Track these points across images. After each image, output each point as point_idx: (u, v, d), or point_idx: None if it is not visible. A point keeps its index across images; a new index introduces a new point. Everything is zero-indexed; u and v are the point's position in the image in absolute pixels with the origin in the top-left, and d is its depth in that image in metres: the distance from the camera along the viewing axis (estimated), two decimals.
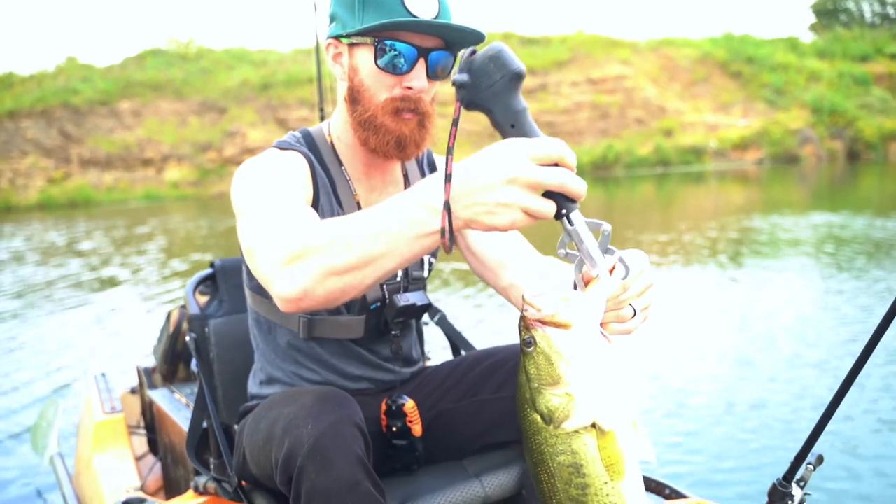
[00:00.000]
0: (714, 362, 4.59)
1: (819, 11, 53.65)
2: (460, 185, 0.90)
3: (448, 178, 0.90)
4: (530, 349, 0.87)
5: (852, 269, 7.55)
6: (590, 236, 0.90)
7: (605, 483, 0.86)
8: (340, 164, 1.43)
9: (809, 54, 38.76)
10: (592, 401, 0.86)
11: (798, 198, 17.81)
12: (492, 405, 1.50)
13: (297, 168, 1.36)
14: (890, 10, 52.27)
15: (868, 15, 52.96)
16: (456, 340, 1.92)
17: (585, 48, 38.20)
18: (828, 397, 1.19)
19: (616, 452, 0.85)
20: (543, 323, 0.87)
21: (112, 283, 9.48)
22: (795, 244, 9.56)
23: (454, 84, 0.93)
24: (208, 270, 1.85)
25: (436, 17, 1.27)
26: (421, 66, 1.29)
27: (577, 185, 0.87)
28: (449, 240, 0.91)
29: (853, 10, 53.29)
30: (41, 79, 36.39)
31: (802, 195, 18.62)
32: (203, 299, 1.84)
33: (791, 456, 1.24)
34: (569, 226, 0.89)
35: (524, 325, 0.88)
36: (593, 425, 0.85)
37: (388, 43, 1.27)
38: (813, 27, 52.40)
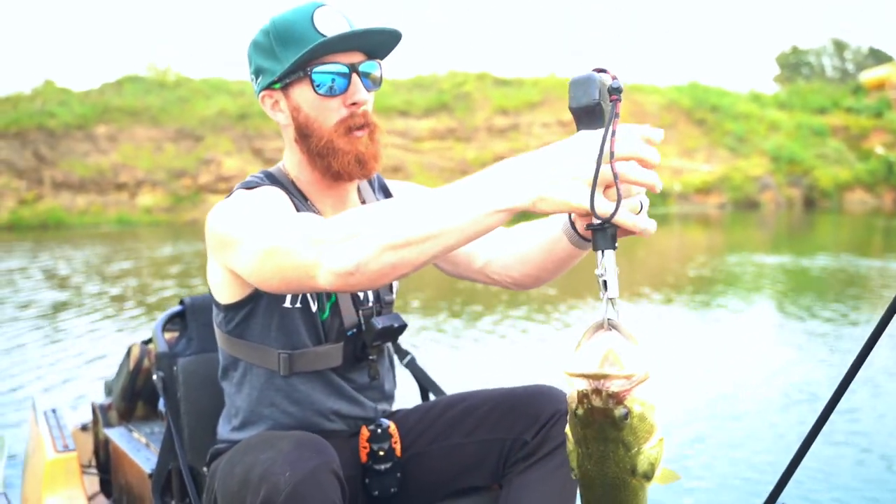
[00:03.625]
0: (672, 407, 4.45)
1: (783, 64, 55.92)
2: (543, 160, 0.94)
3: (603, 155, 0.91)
4: (626, 420, 0.82)
5: (815, 308, 7.83)
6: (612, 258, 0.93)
7: None
8: (305, 199, 1.46)
9: (770, 105, 40.26)
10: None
11: (760, 240, 18.54)
12: (464, 449, 1.50)
13: (280, 196, 1.38)
14: (849, 66, 54.63)
15: (829, 70, 55.36)
16: (425, 384, 1.89)
17: (557, 91, 39.10)
18: (795, 444, 1.16)
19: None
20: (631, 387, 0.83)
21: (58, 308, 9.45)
22: (757, 285, 9.94)
23: (619, 90, 0.95)
24: (178, 308, 1.80)
25: None
26: (356, 80, 1.36)
27: (649, 154, 0.97)
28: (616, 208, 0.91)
29: (814, 65, 55.66)
30: (17, 101, 36.25)
31: (763, 238, 19.37)
32: (170, 336, 1.80)
33: None
34: (604, 245, 0.92)
35: (615, 401, 0.81)
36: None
37: (320, 69, 1.33)
38: (777, 79, 54.50)
